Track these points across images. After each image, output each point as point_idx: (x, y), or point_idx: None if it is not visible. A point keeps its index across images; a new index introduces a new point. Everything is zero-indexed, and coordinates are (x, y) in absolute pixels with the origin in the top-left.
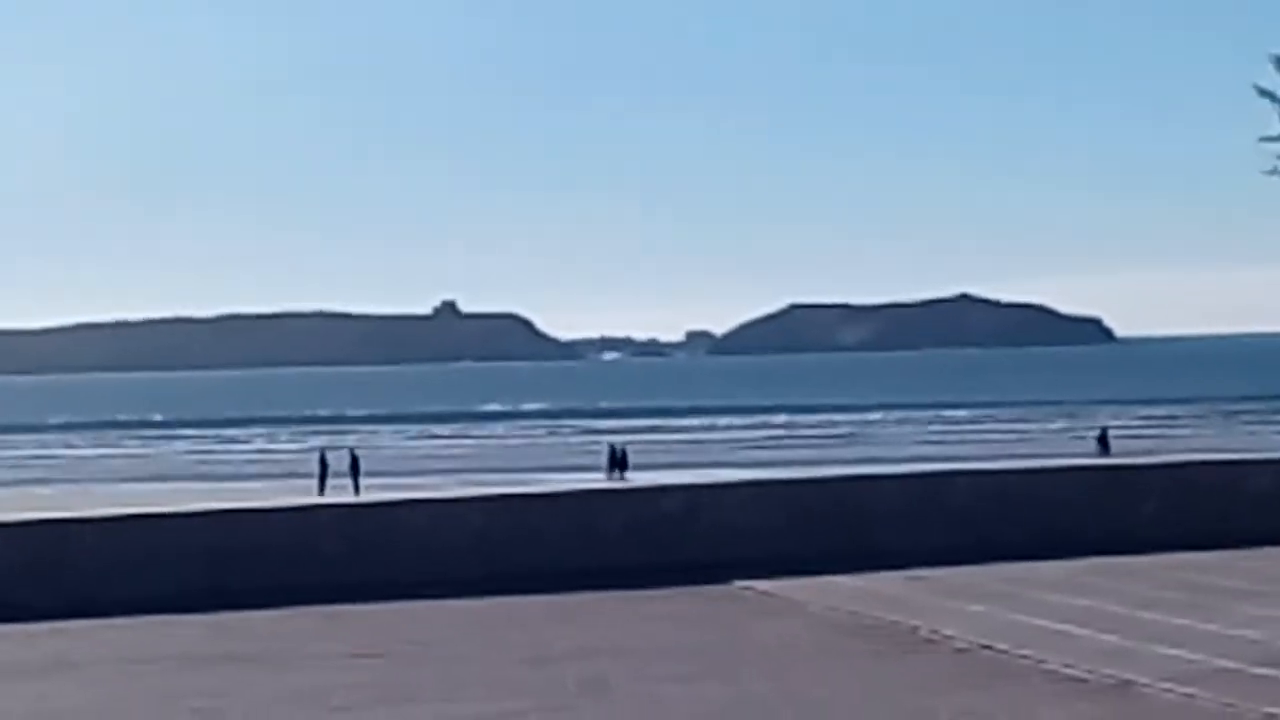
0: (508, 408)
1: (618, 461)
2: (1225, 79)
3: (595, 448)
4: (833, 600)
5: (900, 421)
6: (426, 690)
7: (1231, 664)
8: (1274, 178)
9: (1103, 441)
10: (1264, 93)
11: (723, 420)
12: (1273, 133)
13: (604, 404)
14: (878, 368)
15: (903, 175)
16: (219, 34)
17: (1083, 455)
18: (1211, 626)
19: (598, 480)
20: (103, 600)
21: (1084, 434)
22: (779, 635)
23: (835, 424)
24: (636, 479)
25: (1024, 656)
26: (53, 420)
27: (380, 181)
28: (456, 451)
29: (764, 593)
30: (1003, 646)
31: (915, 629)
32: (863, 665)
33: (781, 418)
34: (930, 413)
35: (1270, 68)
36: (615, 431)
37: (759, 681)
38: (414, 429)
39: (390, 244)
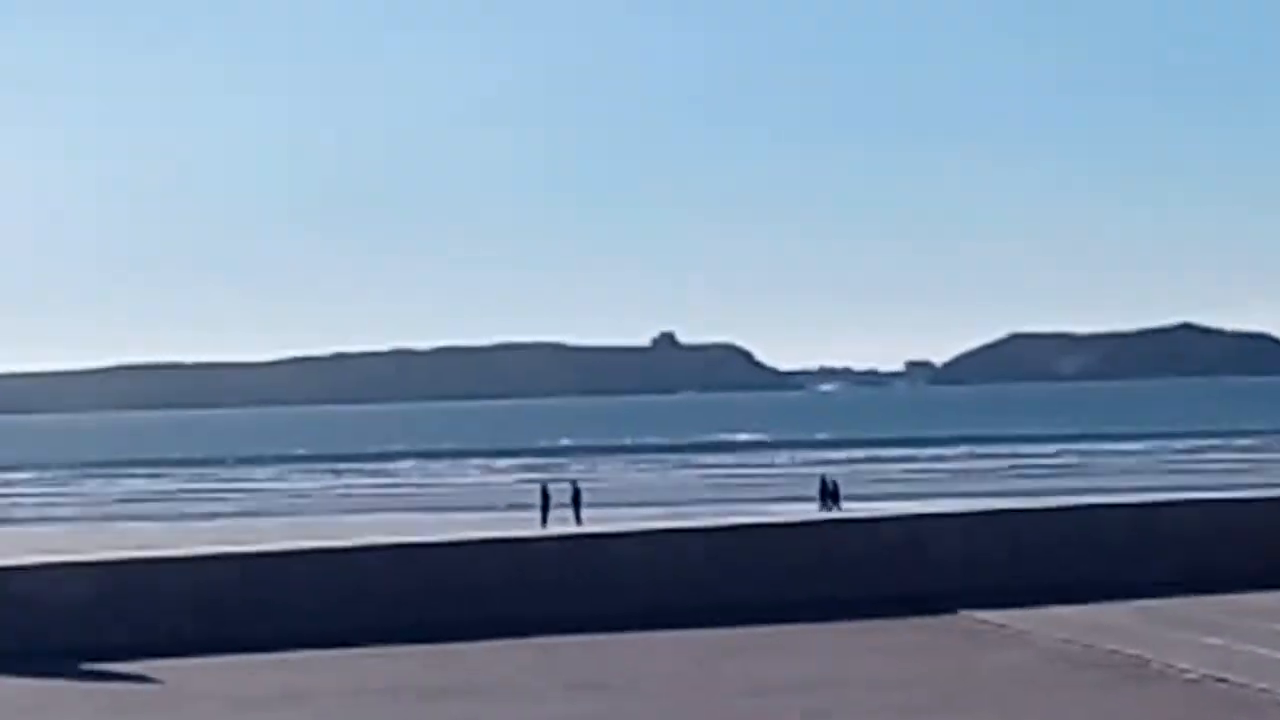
0: (726, 438)
1: (829, 493)
2: None
3: (811, 479)
4: (1059, 631)
5: (1119, 453)
6: None
7: None
8: None
9: None
10: None
11: (943, 450)
12: None
13: (821, 435)
14: (1098, 397)
15: (1124, 202)
16: (433, 65)
17: None
18: None
19: (812, 512)
20: (320, 631)
21: None
22: (1006, 667)
23: (1056, 454)
24: (855, 509)
25: (1258, 689)
26: (266, 452)
27: (599, 214)
28: (675, 482)
29: (989, 623)
30: (1236, 679)
31: (1145, 661)
32: (1093, 697)
33: (1001, 448)
34: (1152, 442)
35: None
36: (832, 462)
37: (988, 713)
38: (633, 460)
39: (610, 276)
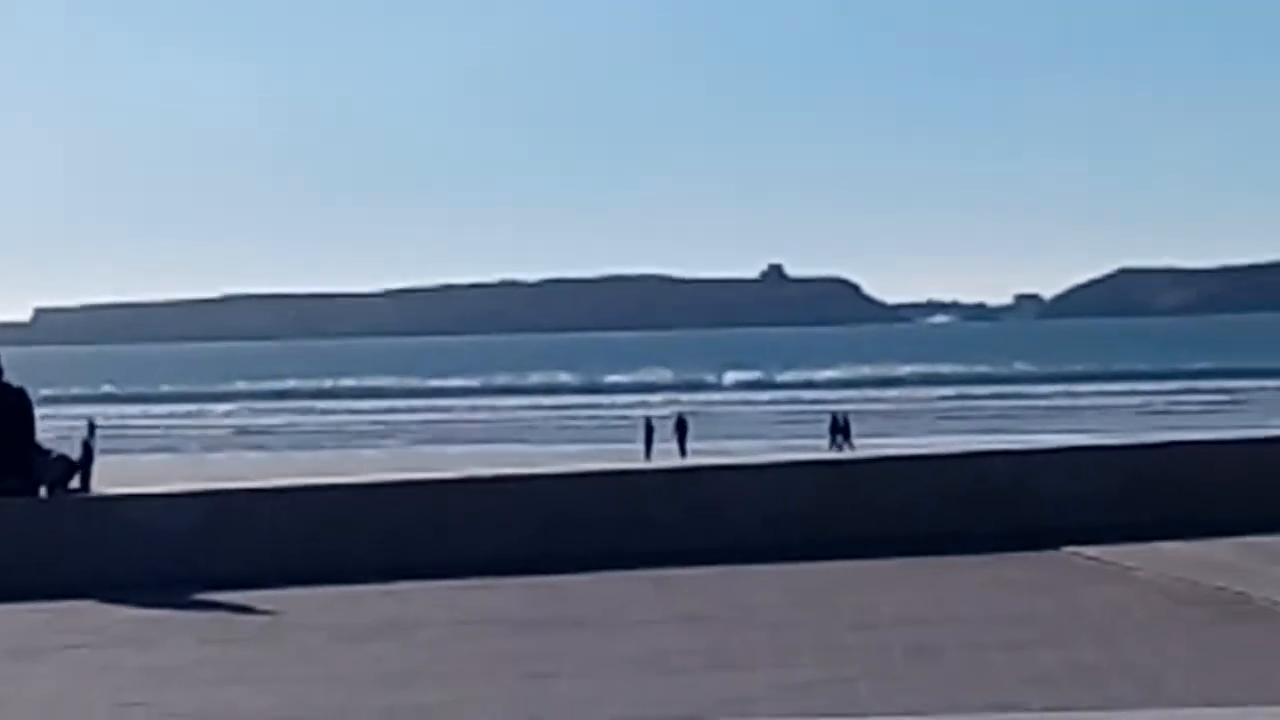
0: (837, 373)
1: (840, 429)
2: None
3: (918, 410)
4: (1164, 567)
5: (1222, 391)
6: (758, 656)
7: None
8: None
9: None
10: None
11: (1050, 387)
12: None
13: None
14: (1209, 332)
15: (1234, 136)
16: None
17: None
18: None
19: (914, 446)
20: (428, 563)
21: None
22: (1109, 602)
23: (1162, 392)
24: (954, 444)
25: None
26: (379, 383)
27: (708, 146)
28: (783, 414)
29: (1093, 559)
30: None
31: (1249, 597)
32: (1196, 633)
33: (1113, 385)
34: (1252, 380)
35: None
36: (943, 398)
37: (1090, 648)
38: (737, 395)
39: (718, 208)
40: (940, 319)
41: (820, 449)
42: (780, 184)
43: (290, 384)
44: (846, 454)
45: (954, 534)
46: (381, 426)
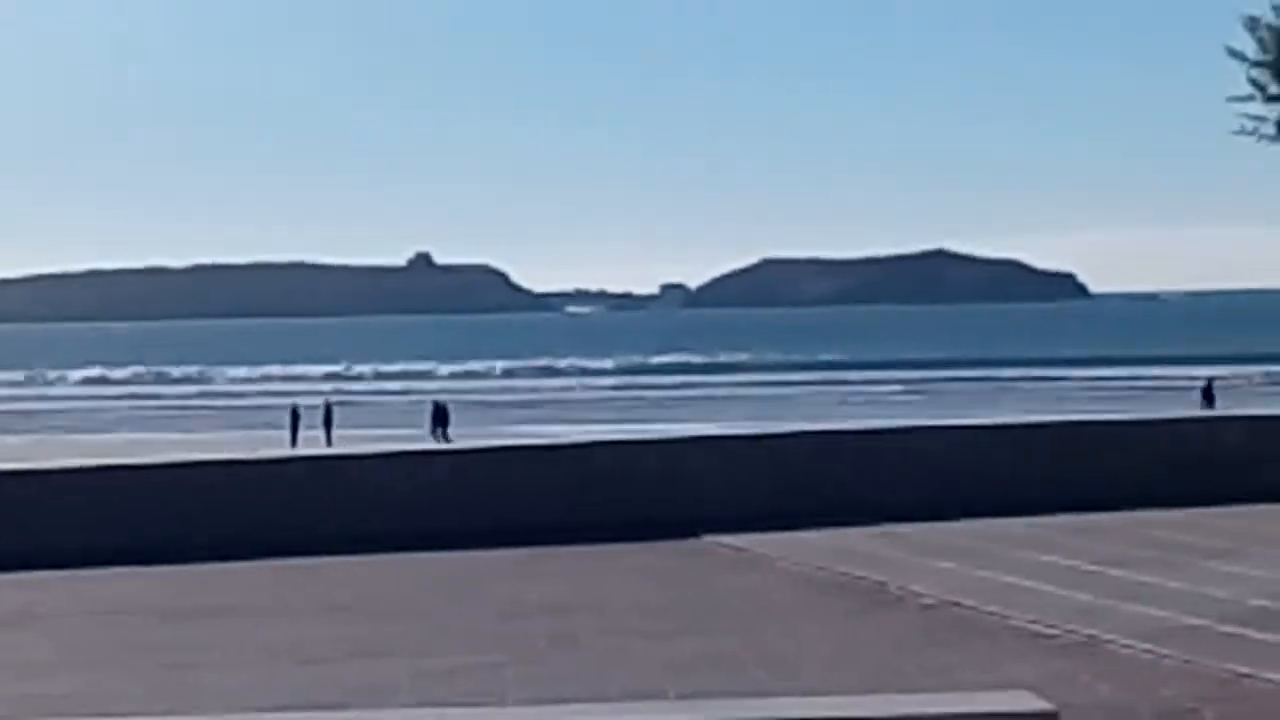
0: (480, 364)
1: (440, 419)
2: (1200, 36)
3: (553, 398)
4: (803, 556)
5: (871, 381)
6: (402, 644)
7: (1198, 621)
8: (1242, 137)
9: (1207, 394)
10: (1234, 53)
11: (697, 377)
12: (1240, 93)
13: (563, 361)
14: (852, 322)
15: (876, 129)
16: None
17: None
18: (1180, 584)
19: (553, 435)
20: (63, 551)
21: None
22: (749, 590)
23: (809, 382)
24: (610, 433)
25: (991, 613)
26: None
27: (356, 132)
28: (426, 404)
29: (734, 548)
30: (970, 603)
31: (884, 585)
32: (832, 621)
33: (756, 375)
34: (901, 372)
35: (1241, 28)
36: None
37: (729, 636)
38: (387, 383)
39: (366, 195)
40: (584, 308)
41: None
42: (429, 171)
43: None
44: (449, 445)
45: (598, 523)
46: (13, 415)
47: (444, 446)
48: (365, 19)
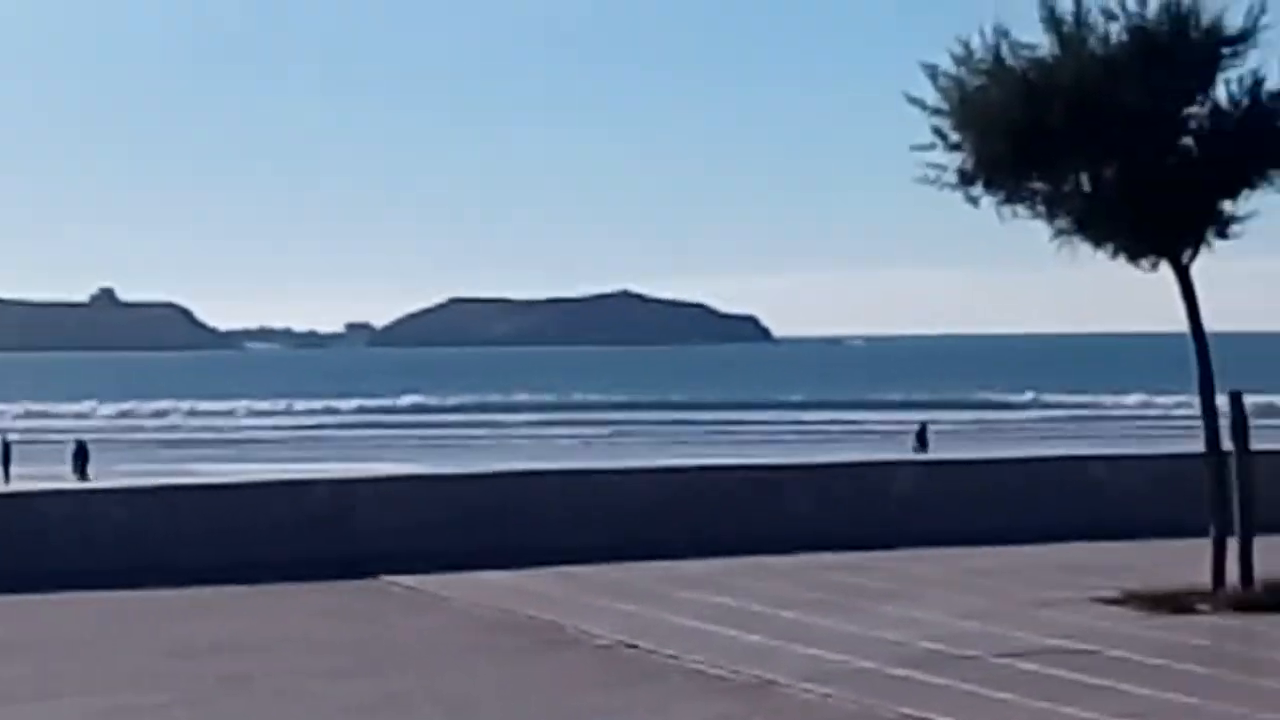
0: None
1: (80, 457)
2: (880, 83)
3: (228, 438)
4: (480, 596)
5: (557, 423)
6: (70, 683)
7: (870, 664)
8: (924, 185)
9: (920, 438)
10: (913, 100)
11: (375, 416)
12: (922, 141)
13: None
14: (535, 362)
15: (565, 169)
16: None
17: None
18: (853, 627)
19: (217, 475)
20: None
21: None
22: (425, 631)
23: (496, 423)
24: (284, 471)
25: (666, 655)
26: None
27: (38, 164)
28: (109, 440)
29: (410, 588)
30: (644, 644)
31: (560, 626)
32: (506, 662)
33: (450, 416)
34: (584, 414)
35: (921, 75)
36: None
37: (402, 676)
38: (70, 421)
39: (48, 228)
40: (266, 345)
41: (66, 477)
42: (114, 206)
43: None
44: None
45: (275, 563)
46: None
47: (119, 485)
48: (41, 50)
